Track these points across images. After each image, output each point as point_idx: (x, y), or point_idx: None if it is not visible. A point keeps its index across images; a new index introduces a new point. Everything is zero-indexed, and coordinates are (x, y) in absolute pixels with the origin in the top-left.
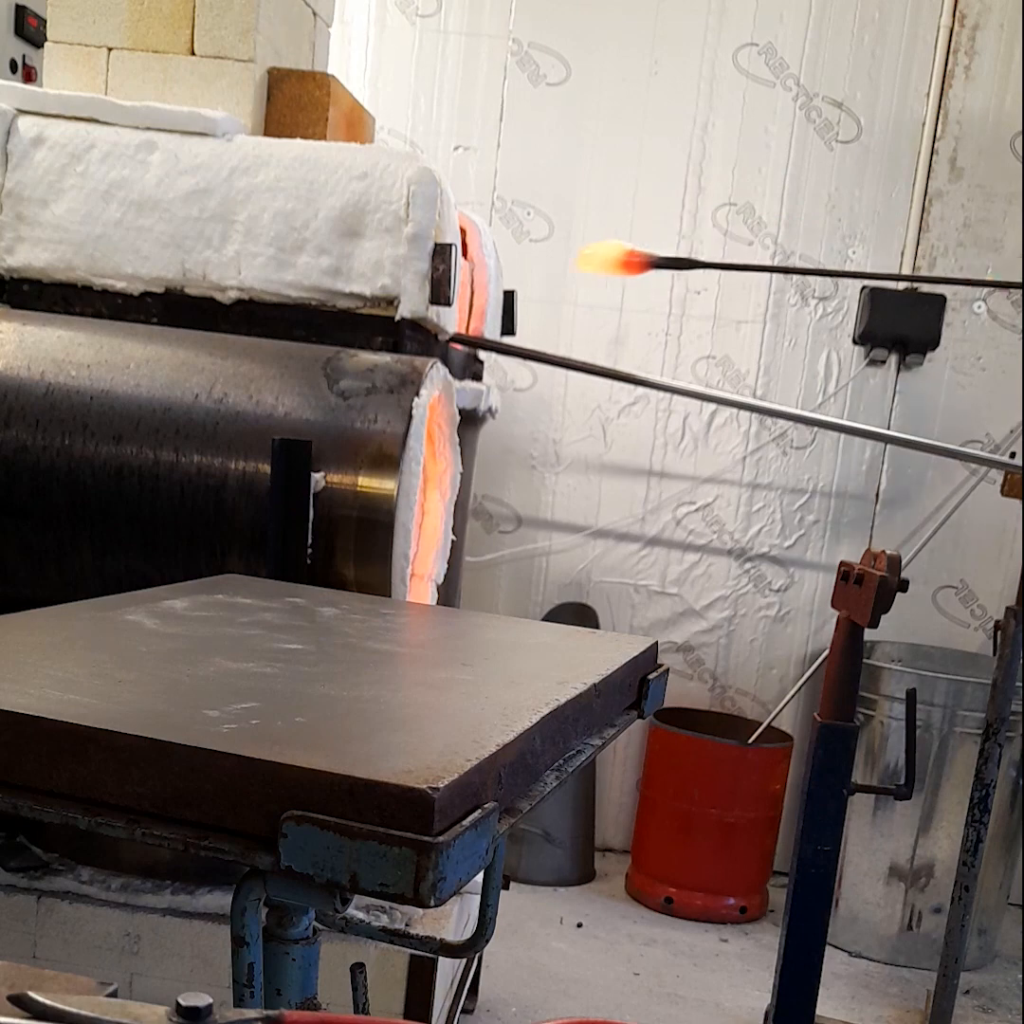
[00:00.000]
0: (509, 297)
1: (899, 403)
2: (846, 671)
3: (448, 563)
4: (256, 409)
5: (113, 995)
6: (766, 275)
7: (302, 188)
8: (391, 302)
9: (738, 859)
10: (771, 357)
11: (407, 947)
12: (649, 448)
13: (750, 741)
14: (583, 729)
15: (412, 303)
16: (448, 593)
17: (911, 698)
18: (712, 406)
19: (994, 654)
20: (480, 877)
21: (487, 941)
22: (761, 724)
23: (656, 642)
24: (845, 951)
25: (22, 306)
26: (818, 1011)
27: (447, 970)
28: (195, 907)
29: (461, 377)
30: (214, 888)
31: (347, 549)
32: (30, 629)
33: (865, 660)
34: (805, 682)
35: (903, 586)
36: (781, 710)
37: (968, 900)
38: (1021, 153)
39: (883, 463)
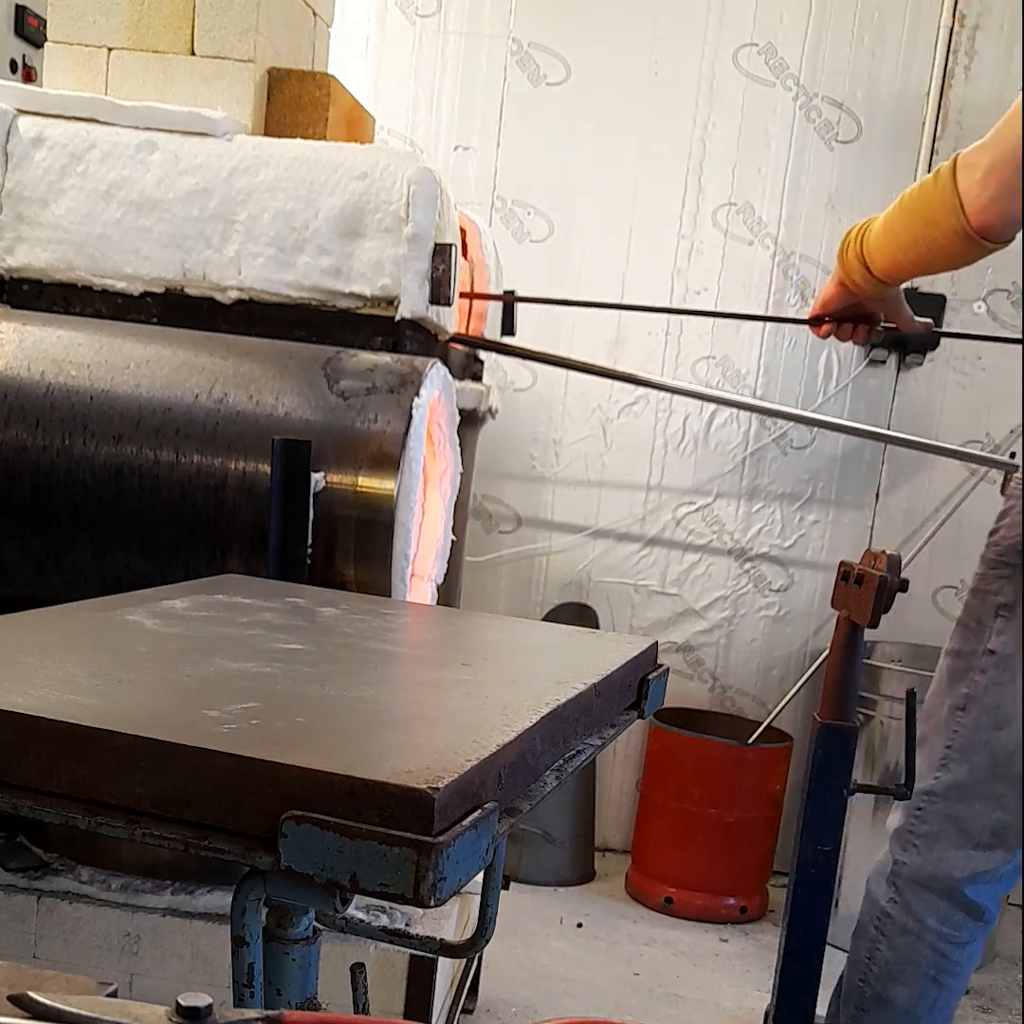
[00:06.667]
0: None
1: (899, 403)
2: (846, 671)
3: (448, 563)
4: (256, 409)
5: (113, 995)
6: (766, 275)
7: (302, 188)
8: (391, 302)
9: (738, 859)
10: (771, 357)
11: (407, 947)
12: (649, 448)
13: (750, 741)
14: (583, 729)
15: (412, 303)
16: (448, 593)
17: (911, 698)
18: (712, 406)
19: None
20: (480, 877)
21: (487, 941)
22: (761, 724)
23: (656, 642)
24: (845, 951)
25: (22, 306)
26: (818, 1011)
27: (447, 970)
28: (195, 907)
29: (461, 377)
30: (214, 888)
31: (347, 549)
32: (30, 629)
33: (865, 660)
34: (805, 682)
35: (903, 586)
36: (781, 710)
37: None
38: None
39: (883, 463)
